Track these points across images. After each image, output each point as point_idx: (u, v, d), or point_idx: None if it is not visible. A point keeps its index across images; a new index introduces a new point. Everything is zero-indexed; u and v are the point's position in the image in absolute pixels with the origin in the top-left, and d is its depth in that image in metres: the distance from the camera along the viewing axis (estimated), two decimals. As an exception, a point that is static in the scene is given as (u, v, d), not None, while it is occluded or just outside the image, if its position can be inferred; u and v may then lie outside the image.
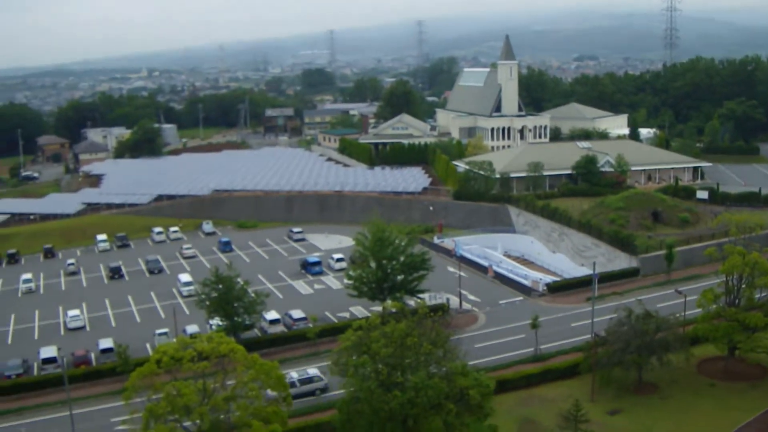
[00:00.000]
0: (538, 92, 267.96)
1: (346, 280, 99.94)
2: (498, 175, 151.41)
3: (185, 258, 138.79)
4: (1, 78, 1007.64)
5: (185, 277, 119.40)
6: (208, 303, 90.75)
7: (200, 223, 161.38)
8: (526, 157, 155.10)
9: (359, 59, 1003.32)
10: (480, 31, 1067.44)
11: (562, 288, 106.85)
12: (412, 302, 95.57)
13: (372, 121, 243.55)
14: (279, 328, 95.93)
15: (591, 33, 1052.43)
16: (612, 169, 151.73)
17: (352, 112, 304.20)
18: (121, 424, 63.31)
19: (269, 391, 59.63)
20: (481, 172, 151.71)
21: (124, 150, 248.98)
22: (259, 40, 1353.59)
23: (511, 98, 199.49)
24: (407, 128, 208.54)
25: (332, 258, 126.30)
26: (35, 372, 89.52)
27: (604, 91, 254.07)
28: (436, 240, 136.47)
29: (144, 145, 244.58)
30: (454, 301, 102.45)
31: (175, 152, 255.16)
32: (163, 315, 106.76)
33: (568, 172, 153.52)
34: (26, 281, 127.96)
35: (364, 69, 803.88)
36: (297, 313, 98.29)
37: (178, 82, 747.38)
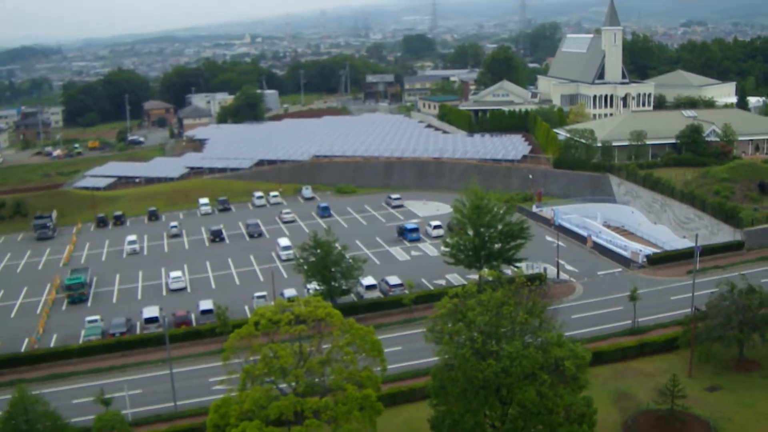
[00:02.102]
0: (642, 59, 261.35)
1: (443, 248, 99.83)
2: (599, 144, 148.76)
3: (284, 222, 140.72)
4: (111, 45, 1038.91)
5: (284, 242, 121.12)
6: (306, 267, 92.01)
7: (300, 188, 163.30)
8: (629, 126, 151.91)
9: (461, 25, 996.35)
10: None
11: (662, 260, 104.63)
12: (509, 271, 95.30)
13: (472, 87, 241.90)
14: (375, 294, 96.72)
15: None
16: (718, 139, 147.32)
17: (452, 79, 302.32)
18: (218, 384, 64.76)
19: None
20: (582, 141, 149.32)
21: (227, 115, 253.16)
22: (361, 5, 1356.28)
23: (614, 65, 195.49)
24: (508, 95, 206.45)
25: (430, 225, 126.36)
26: (138, 331, 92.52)
27: (711, 58, 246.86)
28: (534, 208, 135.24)
29: (246, 111, 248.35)
30: (552, 270, 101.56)
31: (277, 118, 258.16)
32: (261, 278, 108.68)
33: (672, 141, 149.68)
34: (131, 242, 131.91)
35: (466, 35, 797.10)
36: (393, 279, 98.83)
37: (280, 48, 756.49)
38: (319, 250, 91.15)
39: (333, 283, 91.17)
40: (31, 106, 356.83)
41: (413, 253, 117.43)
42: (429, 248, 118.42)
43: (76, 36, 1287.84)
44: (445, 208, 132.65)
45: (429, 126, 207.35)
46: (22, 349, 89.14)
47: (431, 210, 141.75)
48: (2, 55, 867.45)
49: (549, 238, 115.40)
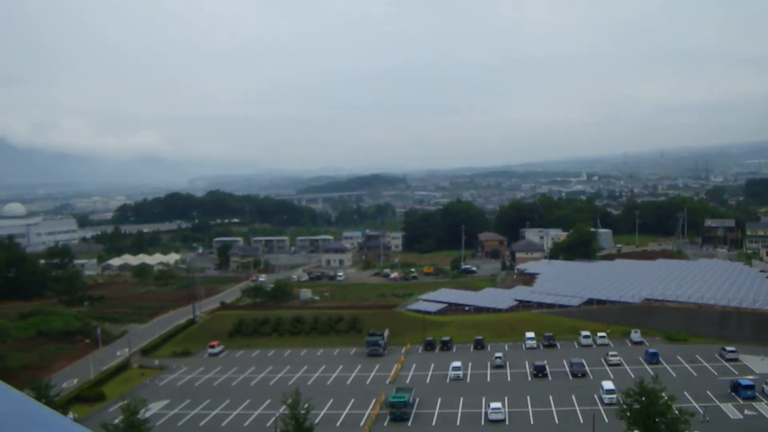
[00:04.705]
0: None
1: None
2: None
3: (610, 365, 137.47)
4: (453, 176, 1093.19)
5: (608, 385, 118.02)
6: (628, 414, 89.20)
7: (628, 331, 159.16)
8: None
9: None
10: None
11: None
12: None
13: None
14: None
15: None
16: None
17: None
18: None
19: None
20: None
21: (559, 251, 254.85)
22: (701, 147, 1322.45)
23: None
24: None
25: (767, 383, 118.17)
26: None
27: None
28: None
29: (578, 248, 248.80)
30: None
31: (609, 257, 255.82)
32: (581, 420, 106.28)
33: None
34: (455, 368, 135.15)
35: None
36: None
37: (617, 187, 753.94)
38: (644, 398, 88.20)
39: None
40: (374, 230, 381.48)
41: (746, 411, 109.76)
42: (765, 408, 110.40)
43: (421, 167, 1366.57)
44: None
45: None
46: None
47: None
48: (355, 182, 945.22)
49: None
